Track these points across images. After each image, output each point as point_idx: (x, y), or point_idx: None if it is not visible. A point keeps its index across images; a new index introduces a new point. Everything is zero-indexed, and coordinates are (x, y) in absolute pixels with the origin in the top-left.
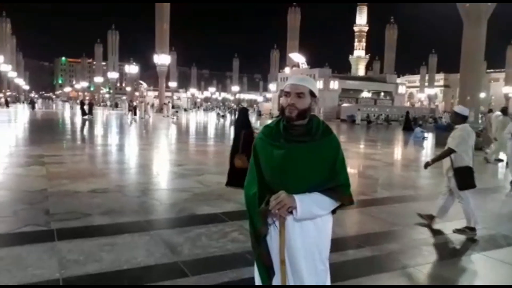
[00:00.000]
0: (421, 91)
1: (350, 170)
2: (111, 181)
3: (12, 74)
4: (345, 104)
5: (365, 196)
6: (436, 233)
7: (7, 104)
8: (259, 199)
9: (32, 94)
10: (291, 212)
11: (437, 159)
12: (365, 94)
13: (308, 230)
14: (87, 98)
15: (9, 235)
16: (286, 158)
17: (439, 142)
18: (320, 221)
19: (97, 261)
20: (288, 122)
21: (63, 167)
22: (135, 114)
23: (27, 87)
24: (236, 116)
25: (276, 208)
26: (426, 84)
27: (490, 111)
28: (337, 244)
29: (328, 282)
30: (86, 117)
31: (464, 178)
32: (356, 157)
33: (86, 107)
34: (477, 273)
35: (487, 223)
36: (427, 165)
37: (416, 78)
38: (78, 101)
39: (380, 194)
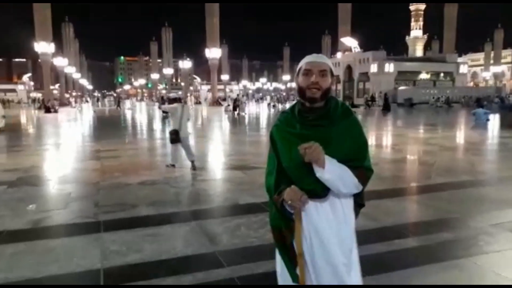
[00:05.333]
0: (485, 69)
1: (408, 156)
2: (160, 173)
3: (76, 75)
4: (401, 87)
5: (418, 183)
6: (495, 221)
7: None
8: (277, 189)
9: (96, 93)
10: (312, 196)
11: None
12: (423, 76)
13: (327, 220)
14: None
15: (61, 226)
16: (302, 144)
17: (505, 123)
18: (341, 210)
19: (138, 252)
20: (303, 105)
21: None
22: (234, 109)
23: (90, 87)
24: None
25: (308, 152)
26: (492, 61)
27: None
28: (382, 234)
29: (354, 276)
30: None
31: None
32: (411, 142)
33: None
34: None
35: None
36: None
37: (480, 56)
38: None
39: (434, 181)
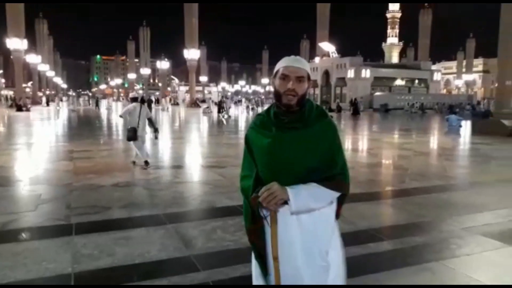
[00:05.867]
0: (458, 77)
1: (383, 161)
2: (134, 175)
3: (50, 73)
4: (377, 93)
5: (392, 187)
6: (466, 225)
7: (47, 102)
8: (253, 192)
9: (70, 92)
10: (285, 203)
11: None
12: (399, 82)
13: (304, 223)
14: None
15: (30, 229)
16: (276, 147)
17: (476, 129)
18: (318, 213)
19: (110, 255)
20: (279, 108)
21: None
22: (220, 111)
23: (65, 86)
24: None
25: (267, 200)
26: (464, 70)
27: None
28: (357, 237)
29: (333, 277)
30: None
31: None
32: (385, 147)
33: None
34: (508, 268)
35: None
36: None
37: (453, 64)
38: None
39: (408, 185)
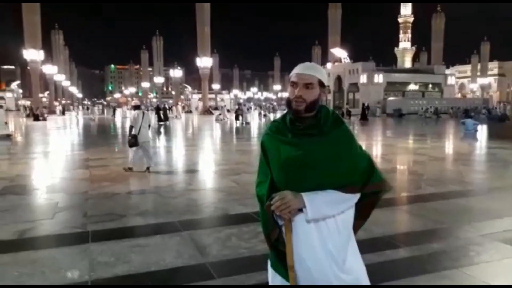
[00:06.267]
0: (473, 81)
1: (398, 166)
2: (149, 182)
3: (66, 83)
4: (391, 98)
5: (408, 193)
6: (485, 231)
7: (63, 112)
8: (269, 197)
9: (85, 101)
10: (301, 210)
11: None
12: (412, 87)
13: (321, 231)
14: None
15: (48, 237)
16: (292, 154)
17: (492, 133)
18: (333, 220)
19: (127, 263)
20: (295, 115)
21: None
22: (237, 118)
23: (80, 95)
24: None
25: (280, 208)
26: (478, 73)
27: None
28: (373, 244)
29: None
30: (162, 123)
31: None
32: (400, 152)
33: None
34: None
35: None
36: None
37: (467, 68)
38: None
39: (424, 191)
